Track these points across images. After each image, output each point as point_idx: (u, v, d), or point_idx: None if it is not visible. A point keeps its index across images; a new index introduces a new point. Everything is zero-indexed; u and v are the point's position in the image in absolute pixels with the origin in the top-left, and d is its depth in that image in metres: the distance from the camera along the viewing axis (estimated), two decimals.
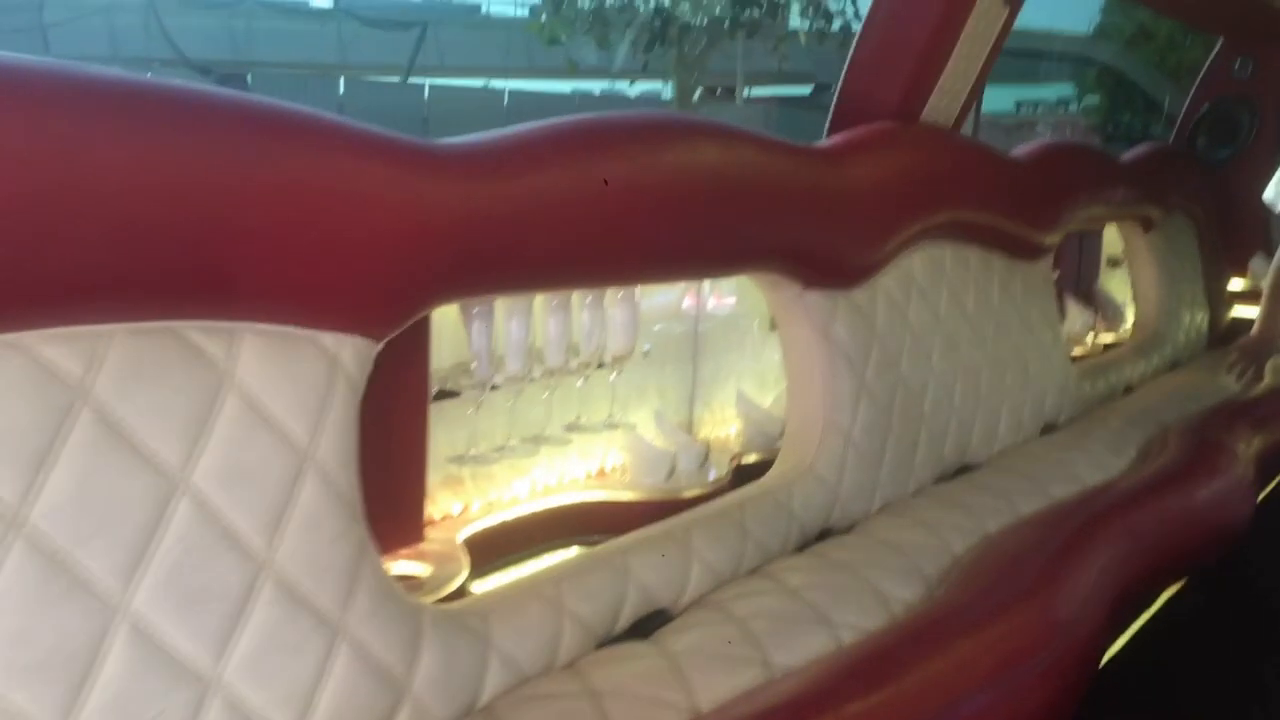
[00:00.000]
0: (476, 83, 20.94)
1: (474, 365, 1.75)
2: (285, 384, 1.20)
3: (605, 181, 1.54)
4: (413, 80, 19.30)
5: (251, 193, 1.15)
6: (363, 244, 1.27)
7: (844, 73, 2.47)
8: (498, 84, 20.32)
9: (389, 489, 1.62)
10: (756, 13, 16.05)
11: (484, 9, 24.88)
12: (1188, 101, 4.39)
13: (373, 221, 1.28)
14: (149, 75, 1.15)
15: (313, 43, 19.70)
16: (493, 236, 1.41)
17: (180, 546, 1.10)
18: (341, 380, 1.26)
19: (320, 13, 21.56)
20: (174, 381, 1.11)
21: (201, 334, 1.13)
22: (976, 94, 2.64)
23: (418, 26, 20.37)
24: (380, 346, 1.33)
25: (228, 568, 1.14)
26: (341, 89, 17.18)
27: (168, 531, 1.09)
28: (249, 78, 16.46)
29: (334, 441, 1.25)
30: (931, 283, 2.42)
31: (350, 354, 1.27)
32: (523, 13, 21.26)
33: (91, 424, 1.04)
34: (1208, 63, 4.33)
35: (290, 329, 1.21)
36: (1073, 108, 23.30)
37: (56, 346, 1.02)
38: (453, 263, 1.37)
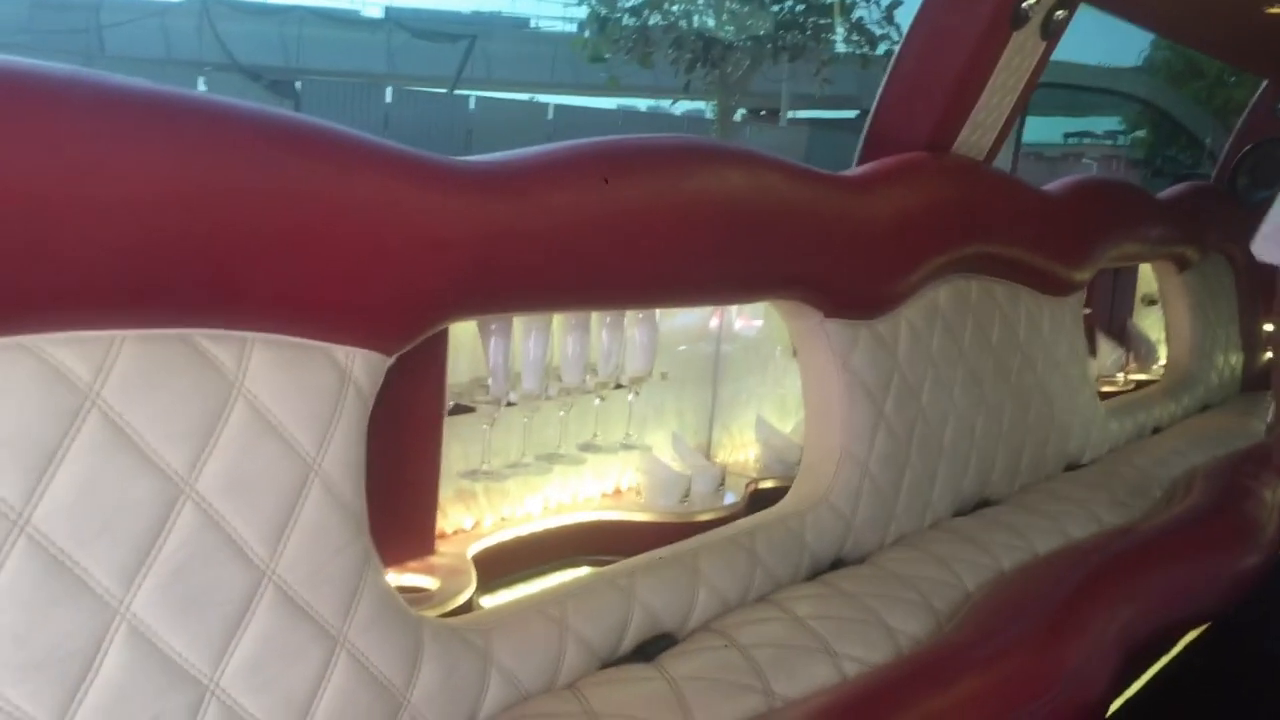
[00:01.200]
0: (522, 96, 21.07)
1: (490, 381, 1.76)
2: (294, 394, 1.21)
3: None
4: (459, 92, 19.44)
5: (266, 205, 1.16)
6: (377, 259, 1.28)
7: (876, 101, 2.47)
8: (543, 98, 20.44)
9: (400, 501, 1.63)
10: (800, 35, 16.07)
11: (533, 23, 25.07)
12: (1230, 141, 4.35)
13: (388, 237, 1.29)
14: (200, 78, 1.17)
15: (362, 52, 19.92)
16: (510, 255, 1.42)
17: (183, 551, 1.12)
18: (352, 393, 1.27)
19: (371, 22, 21.79)
20: (183, 388, 1.12)
21: (212, 342, 1.15)
22: (1010, 126, 2.63)
23: (466, 39, 20.54)
24: (392, 360, 1.34)
25: (229, 574, 1.16)
26: (389, 98, 17.35)
27: (170, 536, 1.11)
28: (298, 84, 16.66)
29: (341, 453, 1.26)
30: (956, 315, 2.41)
31: (361, 367, 1.28)
32: (571, 28, 21.39)
33: (98, 427, 1.05)
34: (1251, 104, 4.29)
35: (302, 340, 1.23)
36: (1120, 141, 23.15)
37: (66, 349, 1.04)
38: (468, 280, 1.38)
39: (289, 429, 1.21)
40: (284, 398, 1.21)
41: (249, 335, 1.18)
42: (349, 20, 21.39)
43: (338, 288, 1.25)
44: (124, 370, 1.08)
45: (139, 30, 17.52)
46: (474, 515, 1.88)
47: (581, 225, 1.52)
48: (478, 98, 18.85)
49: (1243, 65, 5.01)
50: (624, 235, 1.57)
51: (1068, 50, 2.72)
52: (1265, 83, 4.26)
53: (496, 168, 1.46)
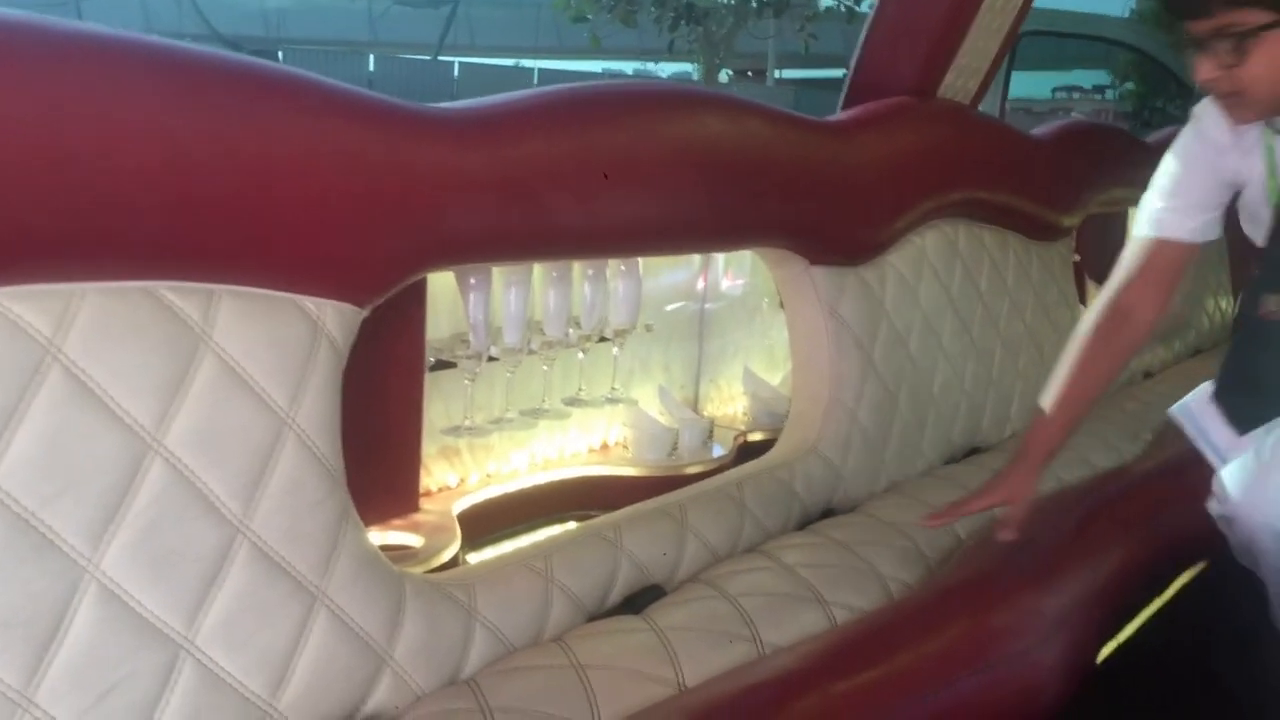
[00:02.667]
0: (507, 61, 20.91)
1: (470, 336, 1.73)
2: (265, 347, 1.19)
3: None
4: (443, 58, 19.29)
5: (229, 152, 1.13)
6: (345, 207, 1.25)
7: (860, 46, 2.43)
8: (527, 63, 20.28)
9: (383, 458, 1.61)
10: None
11: None
12: None
13: (357, 184, 1.26)
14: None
15: (344, 20, 19.76)
16: (483, 202, 1.39)
17: (153, 508, 1.09)
18: (325, 345, 1.25)
19: None
20: (148, 342, 1.09)
21: (177, 294, 1.12)
22: (995, 70, 2.59)
23: (448, 4, 20.34)
24: (366, 313, 1.31)
25: (202, 530, 1.13)
26: (372, 66, 17.19)
27: (140, 493, 1.08)
28: (280, 54, 16.50)
29: (315, 407, 1.23)
30: (944, 262, 2.38)
31: (334, 319, 1.26)
32: None
33: (61, 382, 1.03)
34: None
35: (270, 292, 1.20)
36: (1109, 95, 22.99)
37: (25, 303, 1.01)
38: (441, 228, 1.35)
39: (260, 383, 1.18)
40: (254, 351, 1.18)
41: (215, 288, 1.15)
42: None
43: (306, 237, 1.22)
44: (86, 324, 1.05)
45: (117, 2, 17.32)
46: (458, 472, 1.86)
47: (557, 173, 1.49)
48: (461, 64, 18.70)
49: None
50: (601, 183, 1.54)
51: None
52: None
53: (469, 114, 1.43)
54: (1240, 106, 1.46)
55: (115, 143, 1.05)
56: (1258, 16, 1.35)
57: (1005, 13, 2.46)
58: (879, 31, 2.40)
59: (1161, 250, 1.66)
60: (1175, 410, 1.77)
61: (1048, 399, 1.74)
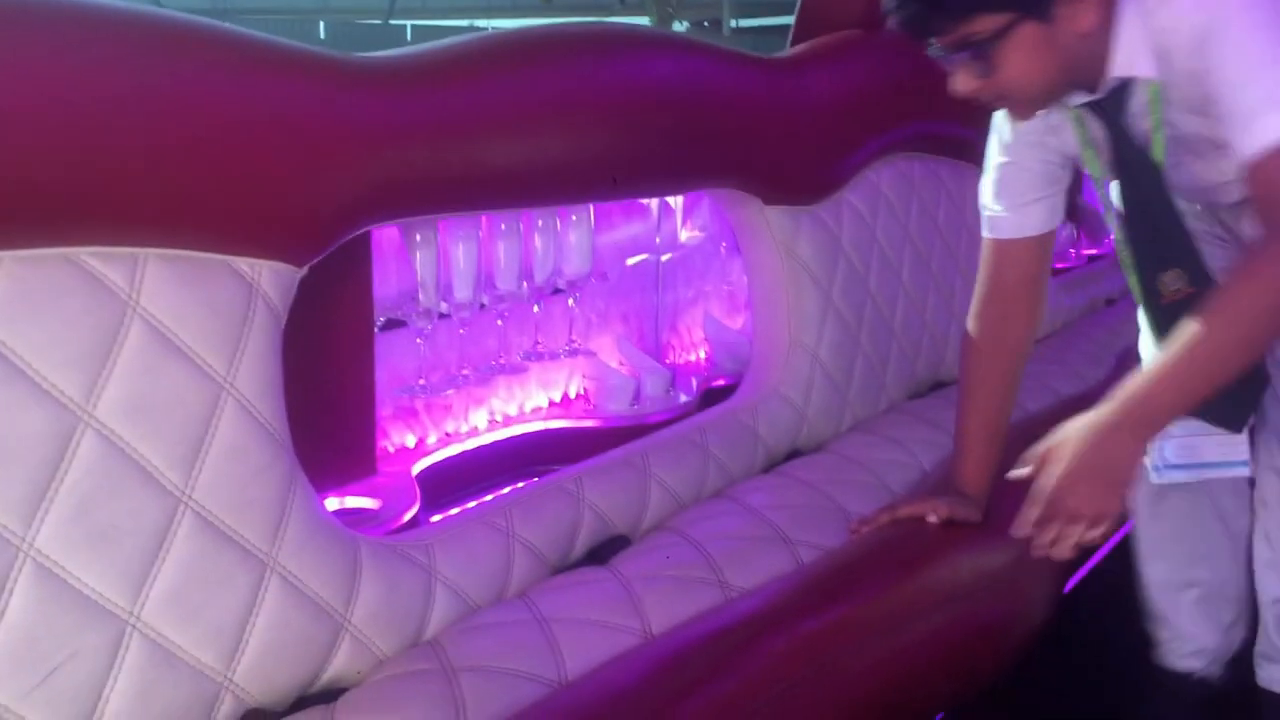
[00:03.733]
0: (461, 23, 20.66)
1: (420, 295, 1.70)
2: (197, 311, 1.15)
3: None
4: (394, 22, 19.04)
5: (145, 108, 1.09)
6: (276, 162, 1.21)
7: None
8: (481, 24, 20.05)
9: (336, 422, 1.58)
10: None
11: None
12: None
13: (287, 138, 1.22)
14: None
15: None
16: (420, 152, 1.35)
17: (86, 482, 1.06)
18: (261, 307, 1.21)
19: None
20: (71, 310, 1.05)
21: (100, 260, 1.08)
22: None
23: None
24: (303, 272, 1.27)
25: (141, 502, 1.10)
26: (322, 33, 16.95)
27: (72, 467, 1.05)
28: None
29: (254, 371, 1.20)
30: (900, 197, 2.35)
31: (269, 280, 1.22)
32: None
33: None
34: None
35: (200, 254, 1.16)
36: None
37: None
38: (375, 181, 1.32)
39: (194, 348, 1.15)
40: (186, 315, 1.14)
41: (141, 251, 1.12)
42: None
43: (235, 196, 1.18)
44: (3, 294, 1.01)
45: None
46: (416, 433, 1.83)
47: (496, 119, 1.45)
48: (414, 26, 18.48)
49: None
50: (542, 127, 1.50)
51: None
52: None
53: (402, 62, 1.39)
54: (1014, 108, 1.38)
55: (27, 104, 1.00)
56: (992, 22, 1.25)
57: None
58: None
59: (1010, 250, 1.57)
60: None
61: (957, 436, 1.67)
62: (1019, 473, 1.33)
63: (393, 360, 1.73)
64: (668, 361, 2.33)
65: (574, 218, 1.92)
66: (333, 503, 1.54)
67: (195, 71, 1.15)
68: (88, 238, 1.07)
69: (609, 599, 1.43)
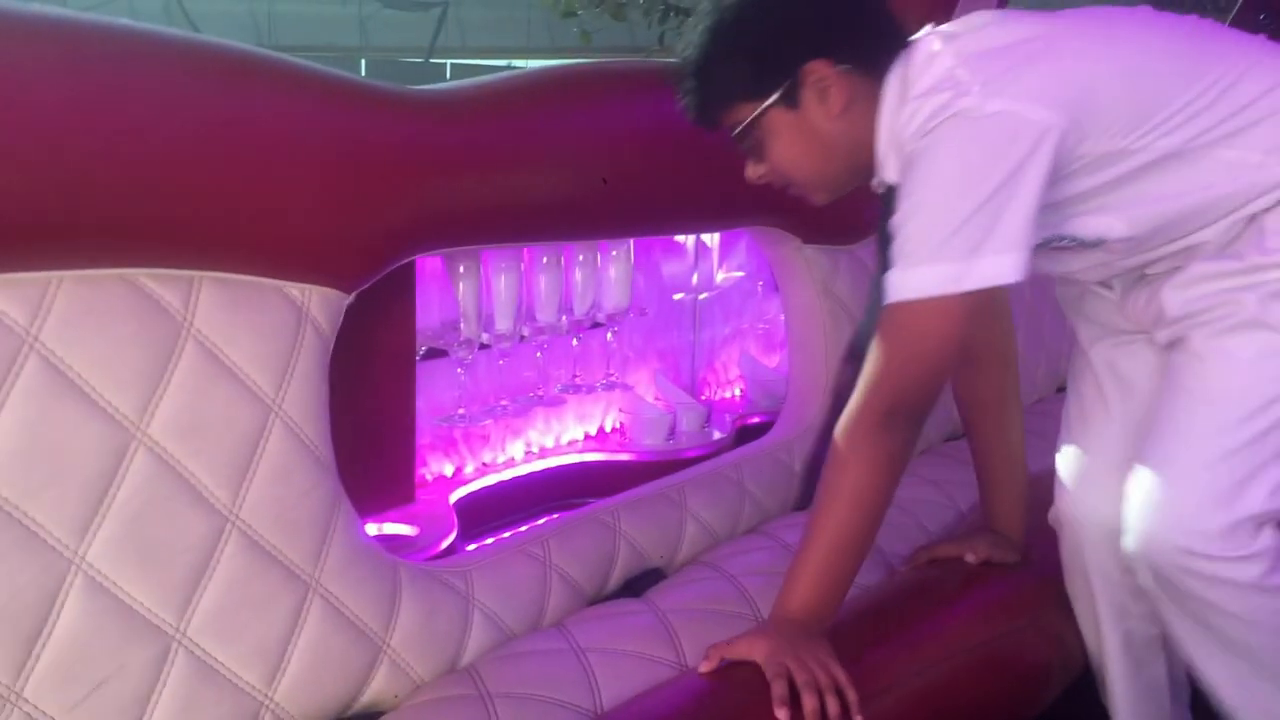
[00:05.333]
0: (499, 62, 20.87)
1: (461, 324, 1.72)
2: (248, 334, 1.17)
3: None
4: (434, 61, 19.26)
5: (205, 136, 1.12)
6: (328, 191, 1.24)
7: None
8: (520, 63, 20.26)
9: (377, 449, 1.59)
10: None
11: None
12: None
13: (340, 168, 1.25)
14: None
15: (334, 25, 19.67)
16: (465, 184, 1.38)
17: (139, 498, 1.08)
18: (310, 332, 1.23)
19: None
20: (127, 330, 1.08)
21: (156, 282, 1.10)
22: None
23: (438, 6, 20.32)
24: (351, 298, 1.30)
25: (190, 520, 1.12)
26: (364, 70, 17.17)
27: (124, 483, 1.07)
28: None
29: (302, 394, 1.22)
30: None
31: (319, 305, 1.24)
32: None
33: (38, 372, 1.01)
34: (1230, 18, 4.22)
35: (253, 278, 1.18)
36: None
37: (0, 292, 0.99)
38: (423, 211, 1.34)
39: (245, 370, 1.17)
40: (237, 338, 1.16)
41: (196, 274, 1.14)
42: None
43: (288, 222, 1.21)
44: (63, 313, 1.04)
45: (106, 13, 17.28)
46: (454, 462, 1.84)
47: (540, 154, 1.48)
48: (453, 65, 18.68)
49: None
50: (585, 162, 1.52)
51: None
52: None
53: (453, 96, 1.42)
54: (805, 194, 1.39)
55: (89, 129, 1.03)
56: (747, 110, 1.29)
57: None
58: None
59: None
60: None
61: (978, 471, 1.67)
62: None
63: (433, 389, 1.75)
64: (703, 398, 2.34)
65: (614, 253, 1.94)
66: (371, 528, 1.56)
67: (252, 100, 1.18)
68: (145, 260, 1.10)
69: (644, 630, 1.43)
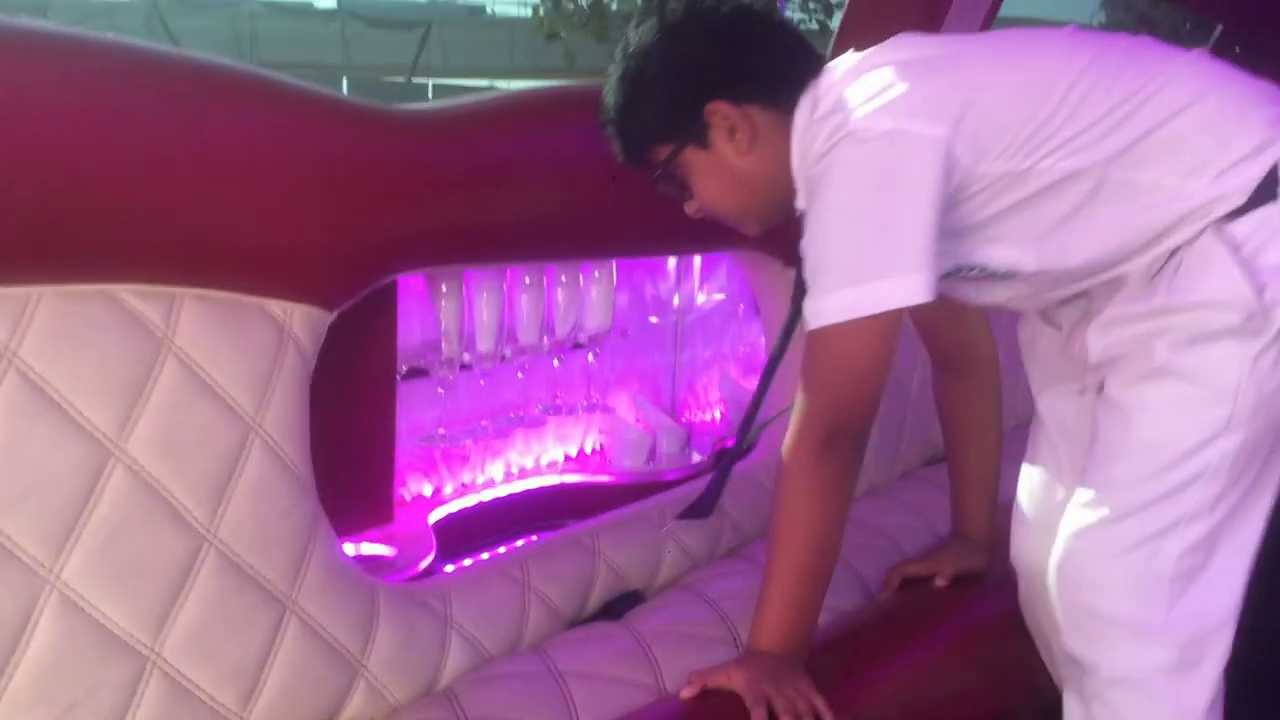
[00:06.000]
0: (482, 83, 20.89)
1: (443, 344, 1.71)
2: (229, 351, 1.16)
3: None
4: (416, 80, 19.28)
5: (187, 152, 1.11)
6: (311, 208, 1.23)
7: (831, 51, 2.42)
8: (502, 84, 20.29)
9: (355, 468, 1.58)
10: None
11: (488, 9, 24.88)
12: None
13: (322, 185, 1.25)
14: None
15: (316, 43, 19.70)
16: (449, 203, 1.38)
17: (115, 516, 1.07)
18: (291, 350, 1.22)
19: (324, 13, 21.57)
20: (107, 346, 1.07)
21: (137, 298, 1.10)
22: None
23: (421, 26, 20.36)
24: (333, 317, 1.29)
25: (167, 539, 1.11)
26: (345, 88, 17.17)
27: (101, 500, 1.06)
28: None
29: (282, 413, 1.21)
30: None
31: (301, 323, 1.24)
32: (526, 13, 21.24)
33: (17, 388, 1.00)
34: (1206, 50, 4.26)
35: (234, 295, 1.18)
36: None
37: None
38: (407, 229, 1.34)
39: (225, 387, 1.16)
40: (218, 355, 1.16)
41: (178, 290, 1.13)
42: (302, 12, 21.17)
43: (271, 240, 1.20)
44: (43, 328, 1.03)
45: (90, 29, 17.23)
46: (433, 482, 1.84)
47: (523, 174, 1.48)
48: (435, 85, 18.71)
49: (1196, 8, 4.99)
50: (567, 182, 1.52)
51: (1020, 5, 2.67)
52: (1219, 28, 4.24)
53: (436, 115, 1.42)
54: (738, 226, 1.40)
55: (70, 143, 1.03)
56: (664, 150, 1.33)
57: (972, 18, 2.46)
58: (848, 37, 2.39)
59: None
60: None
61: (950, 470, 1.68)
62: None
63: (413, 409, 1.74)
64: (683, 420, 2.34)
65: (596, 274, 1.94)
66: (349, 548, 1.54)
67: (234, 117, 1.17)
68: (126, 276, 1.09)
69: (623, 654, 1.43)
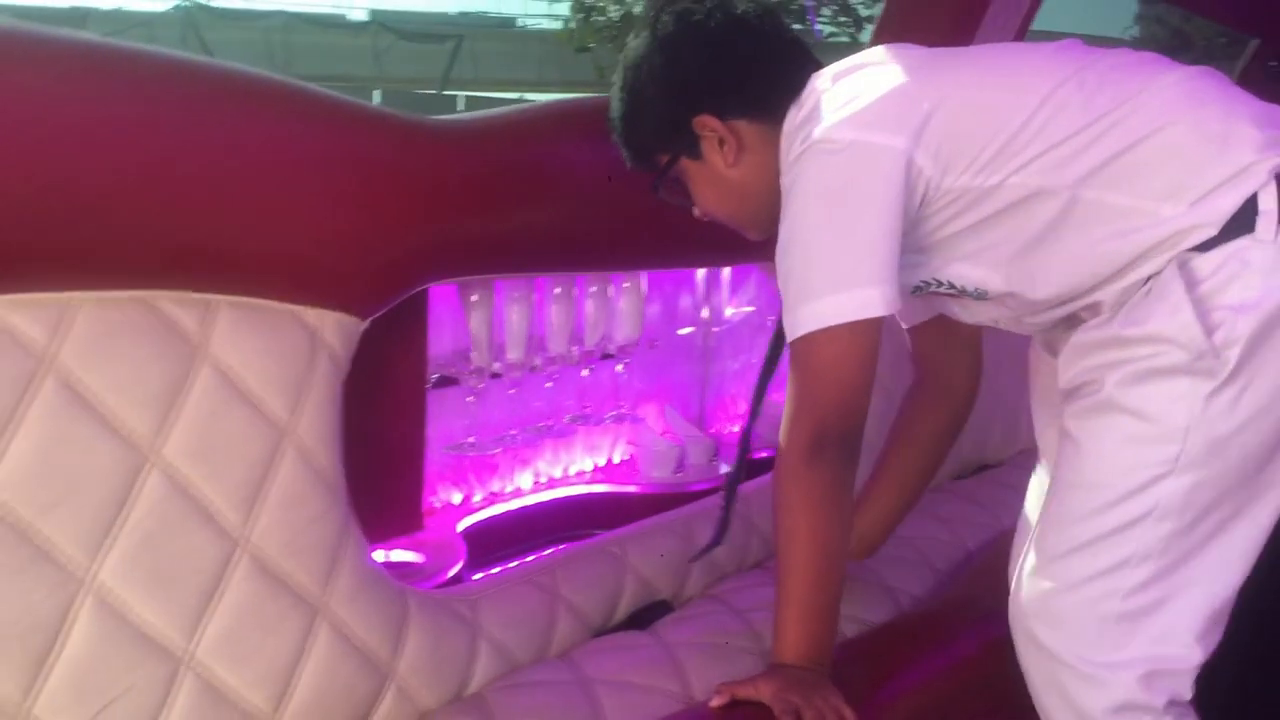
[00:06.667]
0: (511, 95, 21.01)
1: (473, 353, 1.72)
2: (263, 358, 1.18)
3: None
4: (448, 92, 19.39)
5: (223, 161, 1.13)
6: (345, 217, 1.25)
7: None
8: (532, 97, 20.38)
9: (385, 476, 1.59)
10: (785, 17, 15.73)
11: (519, 22, 25.01)
12: None
13: (357, 194, 1.26)
14: None
15: (348, 56, 19.88)
16: (483, 214, 1.39)
17: (150, 519, 1.08)
18: (324, 357, 1.24)
19: (356, 25, 21.77)
20: (144, 352, 1.08)
21: (174, 305, 1.11)
22: None
23: (453, 39, 20.50)
24: (366, 324, 1.30)
25: (201, 542, 1.12)
26: (377, 99, 17.29)
27: (137, 504, 1.07)
28: None
29: (315, 419, 1.22)
30: None
31: (333, 330, 1.25)
32: (557, 26, 21.36)
33: (55, 392, 1.02)
34: (1240, 66, 4.22)
35: (269, 303, 1.19)
36: None
37: (20, 312, 1.00)
38: (439, 238, 1.35)
39: (259, 394, 1.17)
40: (252, 362, 1.17)
41: (213, 298, 1.15)
42: (334, 24, 21.36)
43: (304, 247, 1.22)
44: (81, 334, 1.04)
45: (126, 40, 17.42)
46: (462, 491, 1.85)
47: (554, 184, 1.49)
48: (466, 97, 18.81)
49: (1231, 24, 4.96)
50: (599, 193, 1.53)
51: (1052, 20, 2.66)
52: (1255, 42, 4.20)
53: (470, 126, 1.43)
54: (740, 231, 1.41)
55: (108, 152, 1.04)
56: (662, 159, 1.37)
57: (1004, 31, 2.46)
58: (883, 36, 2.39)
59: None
60: None
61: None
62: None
63: (443, 417, 1.75)
64: (711, 432, 2.34)
65: (625, 285, 1.95)
66: (378, 555, 1.55)
67: (270, 126, 1.19)
68: (163, 283, 1.11)
69: (651, 663, 1.43)
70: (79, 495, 1.03)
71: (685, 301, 2.23)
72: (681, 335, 2.24)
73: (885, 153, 1.17)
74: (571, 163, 1.50)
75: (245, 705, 1.15)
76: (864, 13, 15.91)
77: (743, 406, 2.44)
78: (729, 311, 2.35)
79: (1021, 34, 2.52)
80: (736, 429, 2.43)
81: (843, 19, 16.15)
